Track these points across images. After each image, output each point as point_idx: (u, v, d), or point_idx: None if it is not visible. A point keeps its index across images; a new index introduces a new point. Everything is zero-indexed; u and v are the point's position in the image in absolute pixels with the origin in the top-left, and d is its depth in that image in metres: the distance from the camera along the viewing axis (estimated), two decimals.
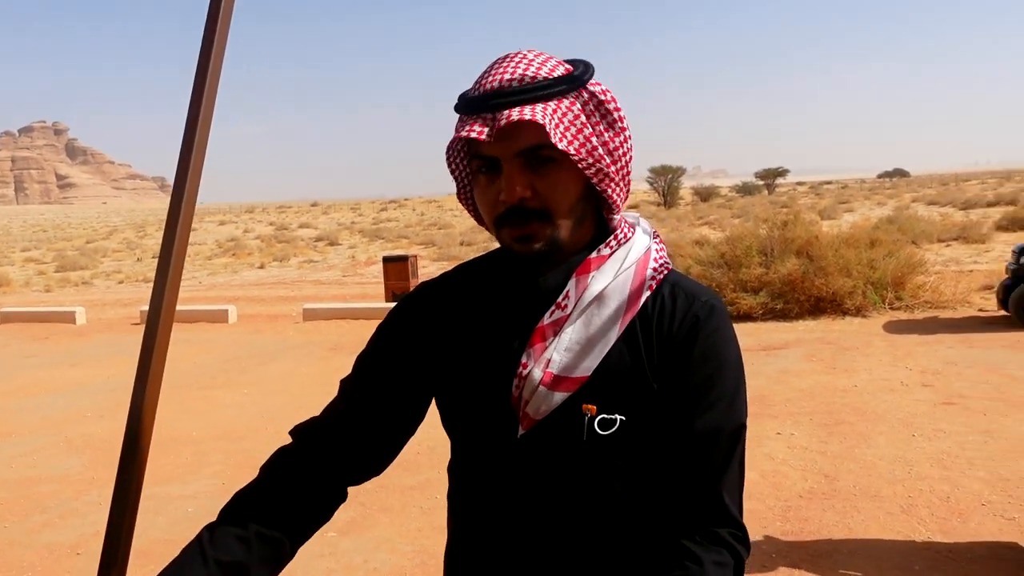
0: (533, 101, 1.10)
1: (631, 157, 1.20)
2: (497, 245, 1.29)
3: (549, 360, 1.15)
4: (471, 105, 1.13)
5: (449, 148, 1.20)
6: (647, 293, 1.18)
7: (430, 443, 5.32)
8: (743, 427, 1.18)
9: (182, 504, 5.24)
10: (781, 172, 69.13)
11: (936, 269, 13.26)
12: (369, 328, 12.66)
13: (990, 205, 31.68)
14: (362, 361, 1.34)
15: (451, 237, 29.98)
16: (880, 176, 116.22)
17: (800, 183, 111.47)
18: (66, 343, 12.36)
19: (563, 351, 1.15)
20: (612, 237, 1.21)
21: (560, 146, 1.09)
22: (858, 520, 4.39)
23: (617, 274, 1.18)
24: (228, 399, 8.10)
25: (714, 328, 1.18)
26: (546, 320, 1.17)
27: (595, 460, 1.17)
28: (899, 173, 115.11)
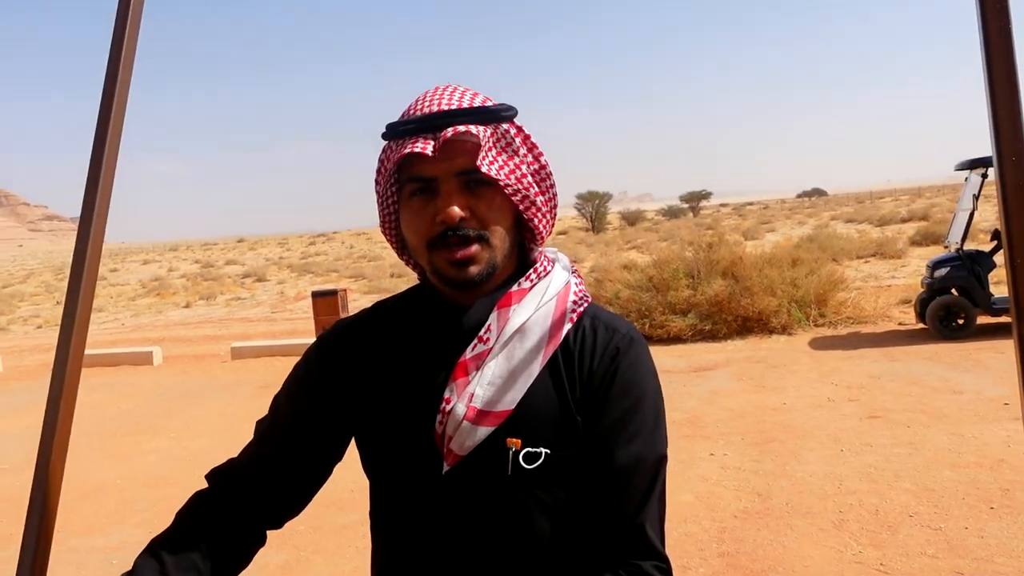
0: (471, 122, 1.13)
1: (555, 193, 1.23)
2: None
3: (472, 394, 1.15)
4: (411, 124, 1.14)
5: (382, 169, 1.20)
6: (568, 325, 1.19)
7: (363, 481, 5.21)
8: (664, 458, 1.19)
9: (106, 556, 5.03)
10: (705, 195, 70.81)
11: (856, 285, 13.70)
12: None
13: (904, 221, 32.95)
14: (277, 402, 1.33)
15: (381, 269, 29.76)
16: (799, 196, 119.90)
17: (724, 205, 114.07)
18: None
19: (486, 385, 1.15)
20: (532, 271, 1.22)
21: (493, 170, 1.12)
22: (792, 538, 4.45)
23: (538, 307, 1.19)
24: (153, 444, 7.83)
25: (633, 360, 1.19)
26: (468, 354, 1.17)
27: (520, 495, 1.16)
28: (817, 192, 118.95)
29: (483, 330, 1.18)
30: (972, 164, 9.57)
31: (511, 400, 1.14)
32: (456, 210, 1.12)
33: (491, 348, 1.16)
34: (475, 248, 1.14)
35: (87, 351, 14.61)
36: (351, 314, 1.37)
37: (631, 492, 1.15)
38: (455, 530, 1.18)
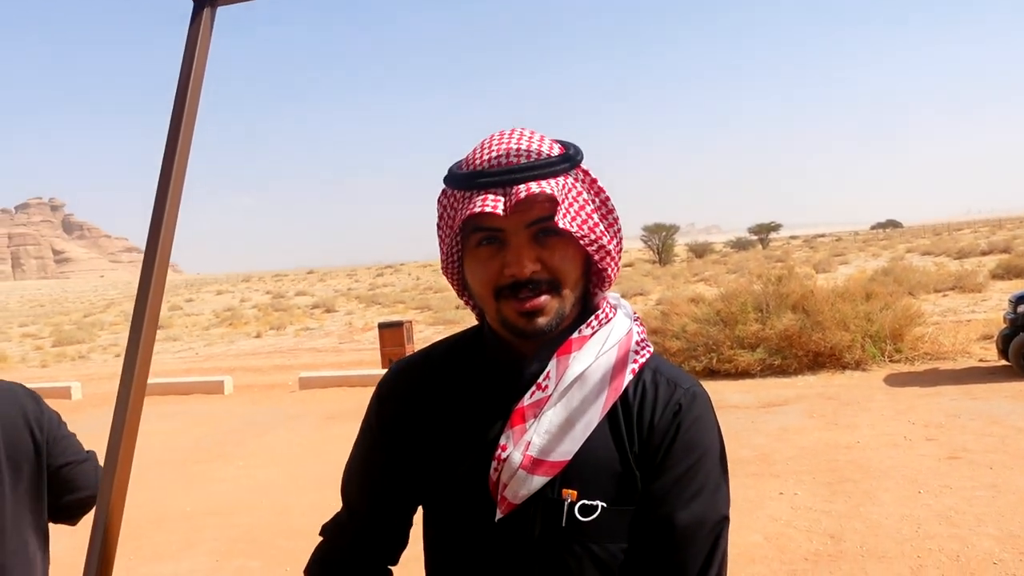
0: (542, 176, 1.10)
1: (622, 233, 1.20)
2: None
3: (529, 442, 1.13)
4: (476, 176, 1.12)
5: (445, 216, 1.18)
6: (629, 376, 1.16)
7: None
8: (726, 520, 1.16)
9: None
10: (774, 226, 69.62)
11: (934, 320, 13.24)
12: (365, 396, 12.46)
13: (984, 254, 31.85)
14: (357, 455, 1.36)
15: (447, 301, 29.96)
16: (873, 227, 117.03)
17: (794, 237, 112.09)
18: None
19: (543, 433, 1.13)
20: (593, 317, 1.20)
21: (566, 223, 1.09)
22: None
23: (599, 355, 1.17)
24: (223, 473, 7.96)
25: (696, 416, 1.16)
26: (526, 401, 1.15)
27: (573, 547, 1.13)
28: (892, 224, 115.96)
29: (542, 377, 1.16)
30: None
31: (568, 450, 1.12)
32: (528, 266, 1.10)
33: (549, 396, 1.14)
34: (545, 298, 1.12)
35: (162, 380, 15.01)
36: (406, 355, 1.37)
37: (692, 554, 1.12)
38: None
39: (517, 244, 1.11)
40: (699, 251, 56.41)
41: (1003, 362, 9.68)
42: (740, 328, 10.96)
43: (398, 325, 14.34)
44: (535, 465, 1.12)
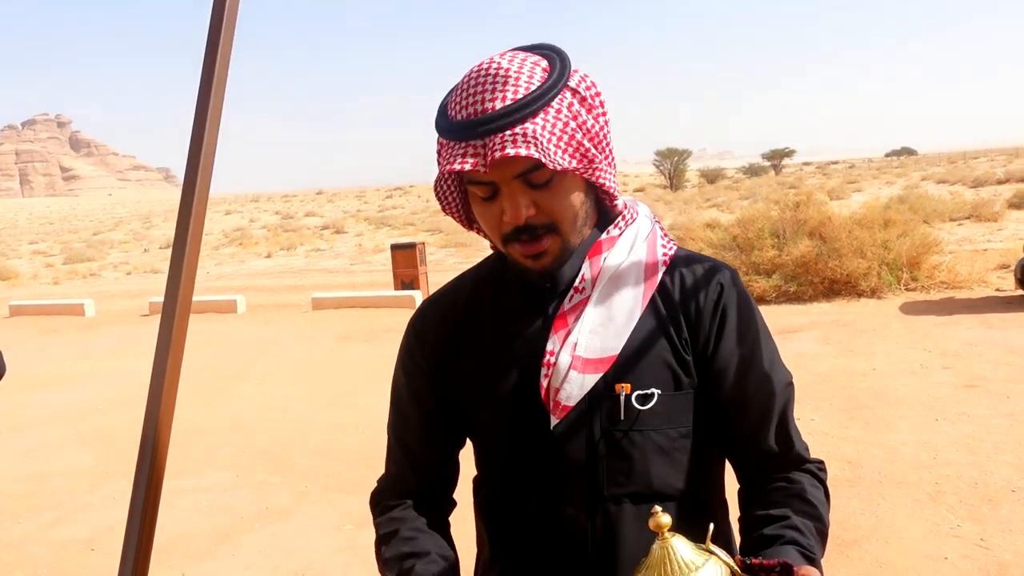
0: (522, 121, 1.04)
1: (610, 133, 1.16)
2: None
3: (576, 344, 1.14)
4: (453, 131, 1.08)
5: (440, 161, 1.14)
6: (662, 268, 1.19)
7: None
8: (792, 384, 1.22)
9: (195, 498, 5.19)
10: (788, 152, 68.72)
11: (950, 249, 13.13)
12: (378, 317, 12.51)
13: (1000, 183, 31.39)
14: (399, 401, 1.33)
15: (457, 224, 29.86)
16: (887, 155, 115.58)
17: (807, 163, 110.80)
18: (75, 336, 12.32)
19: (588, 333, 1.14)
20: (620, 218, 1.21)
21: (557, 166, 1.05)
22: (885, 508, 4.30)
23: (631, 251, 1.18)
24: (239, 391, 8.04)
25: (740, 293, 1.20)
26: (566, 305, 1.16)
27: (634, 437, 1.14)
28: (906, 151, 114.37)
29: (578, 280, 1.17)
30: None
31: (615, 345, 1.14)
32: (521, 213, 1.10)
33: (589, 296, 1.16)
34: (546, 242, 1.12)
35: None
36: (432, 293, 1.36)
37: (776, 414, 1.17)
38: (571, 487, 1.16)
39: (509, 193, 1.10)
40: (711, 176, 55.91)
41: (1020, 291, 9.61)
42: (756, 254, 10.88)
43: (411, 247, 14.28)
44: (585, 364, 1.13)
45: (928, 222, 16.84)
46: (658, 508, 0.83)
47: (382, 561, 1.21)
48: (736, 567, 0.81)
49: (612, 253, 1.18)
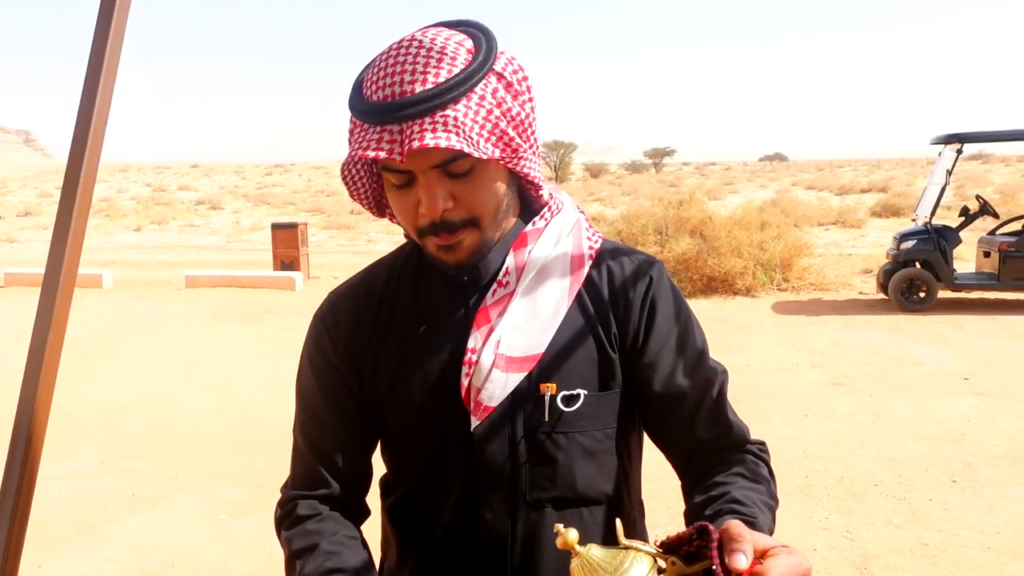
0: (443, 107, 0.97)
1: (535, 120, 1.10)
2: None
3: (498, 341, 1.08)
4: (368, 113, 0.99)
5: (347, 163, 1.07)
6: (589, 262, 1.14)
7: None
8: (726, 372, 1.19)
9: (55, 485, 4.85)
10: (668, 152, 70.89)
11: (819, 252, 13.80)
12: (257, 298, 12.07)
13: (864, 191, 33.33)
14: (306, 397, 1.22)
15: (340, 205, 29.24)
16: (761, 159, 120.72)
17: (686, 163, 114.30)
18: None
19: (512, 329, 1.08)
20: (545, 208, 1.16)
21: (482, 155, 0.98)
22: None
23: (556, 244, 1.13)
24: (106, 372, 7.59)
25: (669, 284, 1.17)
26: (489, 300, 1.11)
27: (559, 439, 1.09)
28: (779, 157, 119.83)
29: (502, 274, 1.11)
30: (947, 139, 9.61)
31: (540, 342, 1.08)
32: (439, 206, 1.03)
33: (513, 291, 1.10)
34: (461, 235, 1.06)
35: (31, 270, 14.12)
36: (340, 283, 1.25)
37: (713, 403, 1.14)
38: (491, 491, 1.10)
39: (426, 183, 1.02)
40: (595, 171, 56.96)
41: (881, 295, 10.20)
42: (640, 249, 11.11)
43: (292, 226, 13.87)
44: (508, 363, 1.07)
45: (798, 226, 17.65)
46: (559, 526, 0.79)
47: None
48: (657, 551, 0.77)
49: (538, 245, 1.12)
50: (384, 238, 20.15)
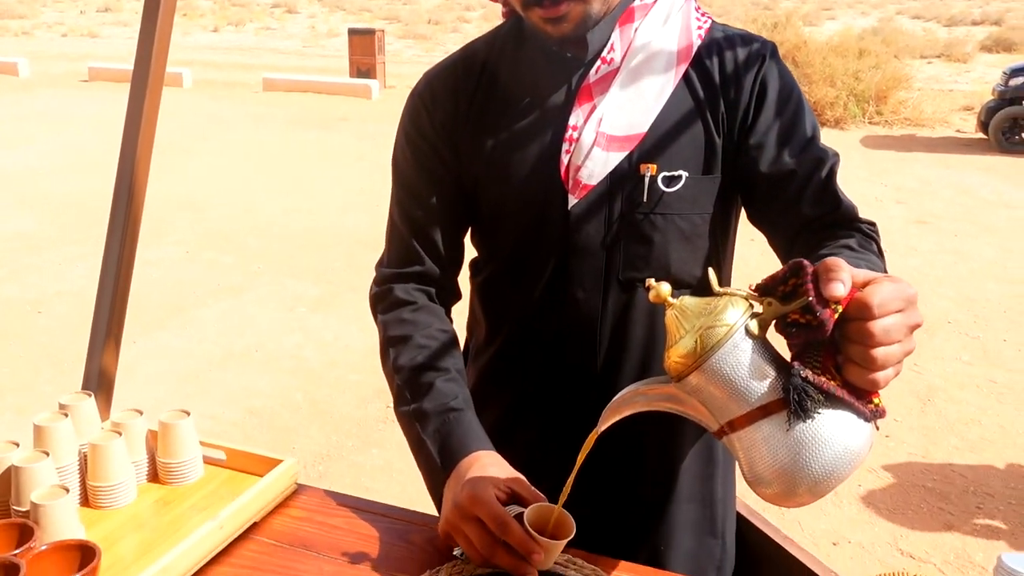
0: None
1: None
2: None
3: (600, 119, 1.05)
4: None
5: None
6: (698, 42, 1.08)
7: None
8: (837, 152, 1.12)
9: (146, 270, 5.09)
10: None
11: (917, 86, 13.03)
12: (333, 104, 12.05)
13: (975, 24, 30.91)
14: (403, 177, 1.20)
15: (417, 14, 28.43)
16: None
17: None
18: (11, 97, 11.67)
19: (614, 108, 1.05)
20: None
21: None
22: None
23: (665, 21, 1.07)
24: (189, 167, 7.78)
25: (781, 67, 1.10)
26: (592, 77, 1.06)
27: (656, 220, 1.07)
28: None
29: (606, 50, 1.06)
30: None
31: (642, 122, 1.05)
32: None
33: (617, 68, 1.06)
34: (567, 5, 1.00)
35: (113, 65, 14.25)
36: (438, 62, 1.20)
37: (825, 179, 1.07)
38: (585, 269, 1.09)
39: None
40: None
41: (981, 135, 9.64)
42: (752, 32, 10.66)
43: (369, 33, 13.60)
44: (609, 141, 1.04)
45: (898, 57, 16.59)
46: (651, 280, 0.78)
47: (393, 366, 1.14)
48: (752, 294, 0.75)
49: (645, 22, 1.06)
50: None
